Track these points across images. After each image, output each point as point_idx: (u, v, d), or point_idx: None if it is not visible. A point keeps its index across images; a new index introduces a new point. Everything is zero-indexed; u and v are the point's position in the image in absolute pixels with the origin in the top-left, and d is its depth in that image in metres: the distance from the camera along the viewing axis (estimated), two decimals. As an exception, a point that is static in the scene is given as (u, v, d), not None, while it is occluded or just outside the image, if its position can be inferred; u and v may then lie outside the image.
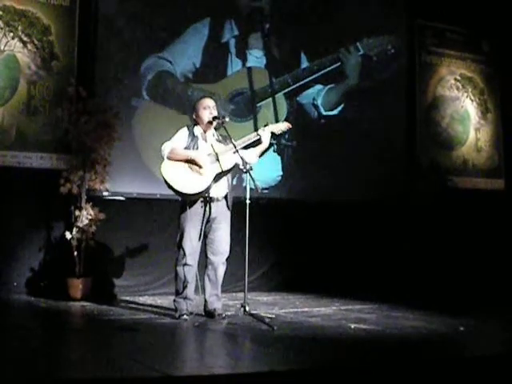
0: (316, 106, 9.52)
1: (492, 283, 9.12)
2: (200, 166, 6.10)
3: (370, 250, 9.28)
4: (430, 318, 6.58)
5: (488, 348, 5.37)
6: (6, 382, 3.59)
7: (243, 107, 8.98)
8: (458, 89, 10.96)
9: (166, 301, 7.15)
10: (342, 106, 9.70)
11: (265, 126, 6.43)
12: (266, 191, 8.68)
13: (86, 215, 7.48)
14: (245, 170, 6.02)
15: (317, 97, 9.51)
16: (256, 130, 8.07)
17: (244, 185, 6.32)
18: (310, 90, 9.47)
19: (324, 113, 9.58)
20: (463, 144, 10.93)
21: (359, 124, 9.83)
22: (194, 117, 6.43)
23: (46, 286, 7.61)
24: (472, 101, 11.09)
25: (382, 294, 8.40)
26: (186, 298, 6.20)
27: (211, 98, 6.60)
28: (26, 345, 4.95)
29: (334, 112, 9.67)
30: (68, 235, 7.45)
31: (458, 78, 10.98)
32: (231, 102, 8.88)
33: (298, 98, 9.39)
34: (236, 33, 9.01)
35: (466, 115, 11.01)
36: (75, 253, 7.46)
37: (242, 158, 6.06)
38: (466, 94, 11.03)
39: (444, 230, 9.64)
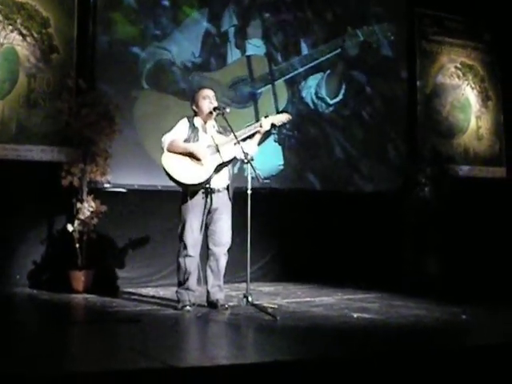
0: (321, 98, 9.51)
1: (493, 272, 9.12)
2: (199, 159, 6.09)
3: (370, 240, 9.28)
4: (432, 307, 6.58)
5: (490, 337, 5.36)
6: (8, 376, 3.59)
7: (243, 94, 8.98)
8: (458, 77, 10.94)
9: (169, 292, 7.15)
10: (344, 88, 9.67)
11: (265, 116, 6.41)
12: (267, 181, 8.66)
13: (87, 207, 7.48)
14: (246, 161, 6.02)
15: (319, 89, 9.49)
16: (256, 117, 8.13)
17: (245, 175, 6.31)
18: (311, 81, 9.44)
19: (331, 102, 9.57)
20: (464, 132, 10.93)
21: (359, 114, 9.85)
22: (193, 108, 6.41)
23: (49, 278, 7.63)
24: (472, 89, 11.07)
25: (384, 283, 8.41)
26: (188, 289, 6.20)
27: (210, 88, 6.58)
28: (29, 338, 4.95)
29: (340, 97, 9.67)
30: (70, 228, 7.45)
31: (459, 65, 10.96)
32: (231, 89, 8.87)
33: (298, 87, 9.37)
34: (235, 22, 8.99)
35: (467, 103, 10.99)
36: (77, 245, 7.47)
37: (242, 149, 6.05)
38: (466, 82, 11.01)
39: (445, 219, 9.62)
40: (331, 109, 9.60)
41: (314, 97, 9.46)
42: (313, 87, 9.46)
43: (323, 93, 9.52)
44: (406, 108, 10.33)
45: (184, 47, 8.61)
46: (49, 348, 4.58)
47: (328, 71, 9.59)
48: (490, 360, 4.56)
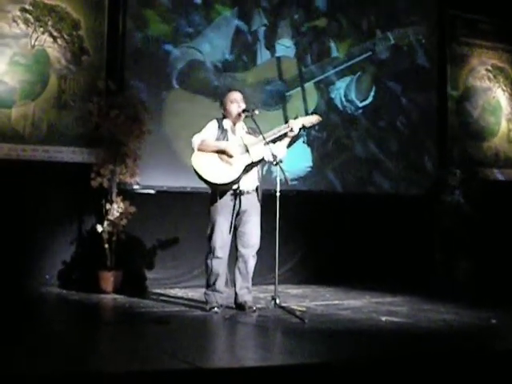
0: (350, 101, 9.48)
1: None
2: (231, 156, 6.10)
3: (400, 244, 9.24)
4: (462, 311, 6.53)
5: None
6: (37, 375, 3.62)
7: (273, 96, 8.97)
8: (489, 79, 10.85)
9: (197, 293, 7.16)
10: (374, 90, 9.65)
11: (295, 118, 6.39)
12: (295, 182, 8.65)
13: (116, 208, 7.52)
14: (275, 163, 6.02)
15: (348, 92, 9.46)
16: (286, 119, 8.14)
17: (273, 177, 6.31)
18: (340, 83, 9.41)
19: (360, 104, 9.54)
20: (495, 135, 10.84)
21: (390, 117, 9.79)
22: (222, 111, 6.43)
23: (78, 278, 7.68)
24: (504, 91, 10.98)
25: (413, 286, 8.37)
26: (216, 290, 6.21)
27: (238, 90, 6.59)
28: (58, 338, 4.99)
29: (369, 99, 9.63)
30: (99, 228, 7.49)
31: (490, 68, 10.87)
32: (261, 91, 8.87)
33: (328, 90, 9.35)
34: (265, 22, 8.99)
35: (498, 106, 10.90)
36: (106, 246, 7.50)
37: (271, 150, 6.05)
38: (497, 85, 10.92)
39: (476, 223, 9.55)
40: (360, 111, 9.56)
41: (343, 99, 9.42)
42: (342, 89, 9.43)
43: (353, 95, 9.49)
44: (437, 111, 10.27)
45: (215, 46, 8.62)
46: (77, 348, 4.61)
47: (358, 74, 9.55)
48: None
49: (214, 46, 8.61)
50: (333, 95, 9.38)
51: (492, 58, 10.91)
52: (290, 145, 6.47)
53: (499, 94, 10.93)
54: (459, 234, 9.57)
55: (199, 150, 6.19)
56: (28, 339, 4.78)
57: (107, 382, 3.59)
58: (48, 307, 6.78)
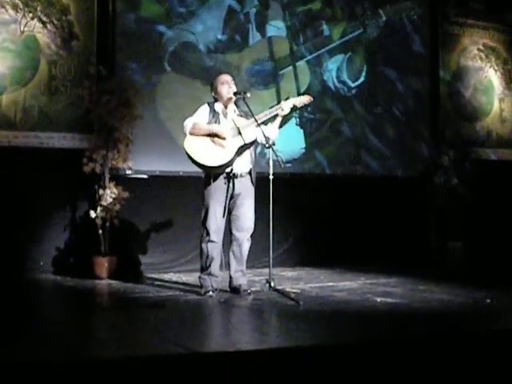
0: (343, 82, 9.46)
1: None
2: (223, 138, 6.08)
3: (394, 225, 9.25)
4: (456, 292, 6.55)
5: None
6: (32, 361, 3.62)
7: (265, 76, 8.95)
8: (481, 59, 10.82)
9: (192, 278, 7.17)
10: (366, 70, 9.62)
11: (286, 98, 6.38)
12: (289, 165, 8.66)
13: (109, 194, 7.50)
14: (267, 146, 6.01)
15: (340, 73, 9.43)
16: (278, 98, 8.11)
17: (267, 159, 6.30)
18: (332, 64, 9.38)
19: (352, 84, 9.52)
20: (487, 115, 10.82)
21: (382, 97, 9.78)
22: (213, 94, 6.41)
23: (73, 264, 7.68)
24: (495, 71, 10.95)
25: (407, 267, 8.39)
26: (211, 274, 6.21)
27: (228, 73, 6.58)
28: (53, 324, 4.98)
29: (362, 79, 9.61)
30: (92, 214, 7.47)
31: (481, 47, 10.83)
32: (253, 71, 8.84)
33: (320, 69, 9.32)
34: (256, 3, 8.94)
35: (490, 86, 10.88)
36: (100, 231, 7.50)
37: (263, 132, 6.04)
38: (489, 64, 10.89)
39: (469, 202, 9.56)
40: (353, 92, 9.53)
41: (335, 80, 9.40)
42: (334, 70, 9.40)
43: (345, 76, 9.46)
44: (428, 92, 10.24)
45: (208, 27, 8.57)
46: (72, 334, 4.61)
47: (349, 53, 9.51)
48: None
49: (206, 27, 8.56)
50: (325, 76, 9.34)
51: (483, 38, 10.87)
52: (281, 125, 6.45)
53: (491, 73, 10.90)
54: (453, 215, 9.58)
55: (191, 133, 6.17)
56: (22, 326, 4.78)
57: (103, 368, 3.59)
58: (43, 293, 6.77)
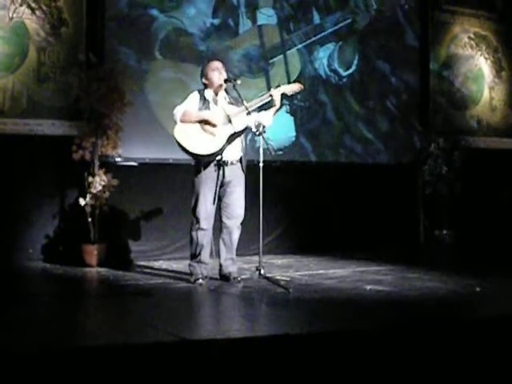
0: (334, 71, 9.44)
1: (508, 243, 9.10)
2: (214, 125, 6.06)
3: (384, 212, 9.27)
4: (447, 279, 6.56)
5: (504, 308, 5.35)
6: (21, 349, 3.61)
7: (255, 64, 8.93)
8: (471, 47, 10.82)
9: (181, 265, 7.15)
10: (357, 59, 9.61)
11: (277, 86, 6.36)
12: (280, 152, 8.67)
13: (99, 181, 7.47)
14: (258, 133, 6.00)
15: (332, 61, 9.42)
16: (268, 87, 8.10)
17: (257, 147, 6.29)
18: (322, 53, 9.36)
19: (344, 73, 9.51)
20: (477, 103, 10.83)
21: (371, 85, 9.77)
22: (203, 80, 6.38)
23: (62, 252, 7.66)
24: (486, 59, 10.95)
25: (397, 255, 8.42)
26: (201, 262, 6.20)
27: (218, 59, 6.55)
28: (42, 311, 4.98)
29: (353, 68, 9.60)
30: (82, 201, 7.45)
31: (472, 36, 10.83)
32: (243, 59, 8.81)
33: (310, 57, 9.29)
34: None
35: (480, 74, 10.88)
36: (89, 219, 7.47)
37: (255, 120, 6.03)
38: (479, 53, 10.89)
39: (459, 190, 9.59)
40: (344, 80, 9.52)
41: (326, 69, 9.38)
42: (325, 58, 9.38)
43: (336, 65, 9.45)
44: (419, 80, 10.24)
45: (195, 17, 8.51)
46: (61, 321, 4.60)
47: (340, 42, 9.49)
48: (503, 331, 4.54)
49: (195, 16, 8.50)
50: (316, 65, 9.32)
51: (474, 26, 10.87)
52: (274, 113, 6.44)
53: (481, 62, 10.90)
54: (443, 203, 9.61)
55: (181, 121, 6.14)
56: (11, 313, 4.76)
57: (92, 356, 3.58)
58: (32, 281, 6.75)
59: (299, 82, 6.81)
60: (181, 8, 8.46)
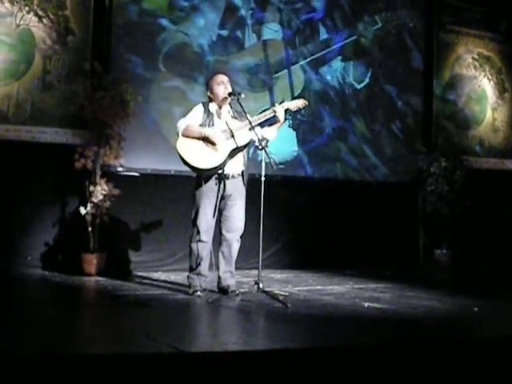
0: (349, 85, 9.49)
1: (508, 264, 9.10)
2: (214, 144, 6.07)
3: (384, 230, 9.27)
4: (444, 299, 6.56)
5: (500, 330, 5.34)
6: (18, 356, 3.60)
7: (259, 79, 8.96)
8: (475, 68, 10.86)
9: (180, 277, 7.16)
10: (370, 73, 9.68)
11: (281, 102, 6.38)
12: (281, 166, 8.69)
13: (100, 191, 7.48)
14: (260, 147, 6.01)
15: (346, 75, 9.46)
16: (272, 101, 8.13)
17: (259, 160, 6.30)
18: (327, 69, 9.39)
19: (358, 86, 9.55)
20: (480, 124, 10.86)
21: (375, 102, 9.80)
22: (208, 94, 6.40)
23: (61, 260, 7.65)
24: (489, 80, 10.99)
25: (396, 273, 8.41)
26: (199, 274, 6.20)
27: (224, 73, 6.57)
28: (40, 319, 4.97)
29: (367, 80, 9.67)
30: (82, 210, 7.45)
31: (476, 56, 10.88)
32: (247, 73, 8.84)
33: (315, 75, 9.32)
34: (253, 5, 8.95)
35: (483, 95, 10.91)
36: (90, 228, 7.48)
37: (257, 134, 6.04)
38: (483, 74, 10.93)
39: (460, 210, 9.59)
40: (349, 97, 9.55)
41: (331, 85, 9.42)
42: (329, 75, 9.41)
43: (351, 79, 9.50)
44: (422, 99, 10.27)
45: (201, 31, 8.56)
46: (59, 330, 4.60)
47: (347, 58, 9.53)
48: (500, 352, 4.53)
49: (200, 30, 8.55)
50: (319, 82, 9.35)
51: (478, 47, 10.91)
52: (277, 128, 6.46)
53: (485, 82, 10.94)
54: (443, 222, 9.61)
55: (183, 135, 6.15)
56: (9, 320, 4.76)
57: (89, 365, 3.58)
58: (30, 289, 6.75)
59: (303, 97, 6.83)
60: (190, 18, 8.51)
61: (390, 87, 9.94)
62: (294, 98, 8.24)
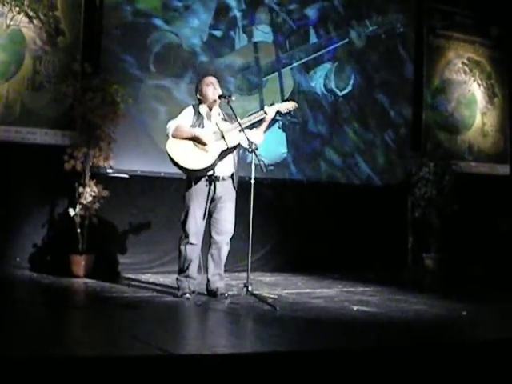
0: (330, 90, 9.50)
1: (496, 268, 9.13)
2: (204, 144, 6.07)
3: (373, 234, 9.28)
4: (433, 302, 6.58)
5: (488, 333, 5.36)
6: (6, 358, 3.59)
7: (249, 81, 8.96)
8: (465, 73, 10.90)
9: (169, 279, 7.13)
10: (353, 80, 9.67)
11: (271, 104, 6.40)
12: (271, 168, 8.70)
13: (89, 192, 7.47)
14: (250, 150, 6.01)
15: (328, 81, 9.47)
16: (262, 104, 8.13)
17: (248, 163, 6.30)
18: (319, 72, 9.40)
19: (340, 93, 9.56)
20: (469, 128, 10.89)
21: (365, 106, 9.81)
22: (197, 96, 6.40)
23: (49, 262, 7.62)
24: (479, 85, 11.03)
25: (385, 276, 8.43)
26: (188, 276, 6.19)
27: (213, 75, 6.57)
28: (28, 321, 4.95)
29: (349, 88, 9.67)
30: (71, 212, 7.43)
31: (466, 61, 10.91)
32: (238, 76, 8.84)
33: (305, 76, 9.33)
34: (243, 7, 8.94)
35: (473, 99, 10.95)
36: (78, 229, 7.45)
37: (247, 137, 6.04)
38: (473, 78, 10.97)
39: (448, 215, 9.61)
40: (339, 100, 9.56)
41: (323, 88, 9.42)
42: (321, 78, 9.42)
43: (332, 85, 9.50)
44: (412, 103, 10.29)
45: (192, 31, 8.53)
46: (47, 332, 4.58)
47: (336, 63, 9.55)
48: (489, 355, 4.55)
49: (191, 30, 8.52)
50: (309, 84, 9.36)
51: (468, 52, 10.95)
52: (265, 130, 6.47)
53: (474, 87, 10.97)
54: (432, 226, 9.63)
55: (173, 136, 6.15)
56: (-3, 322, 4.74)
57: (77, 367, 3.56)
58: (18, 290, 6.72)
59: (293, 100, 6.83)
60: (183, 19, 8.49)
61: (380, 92, 9.95)
62: (284, 100, 8.22)
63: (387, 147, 9.97)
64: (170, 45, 8.42)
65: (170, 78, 8.37)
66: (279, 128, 9.06)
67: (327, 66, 9.51)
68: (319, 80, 9.42)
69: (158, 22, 8.35)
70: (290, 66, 9.23)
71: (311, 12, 9.43)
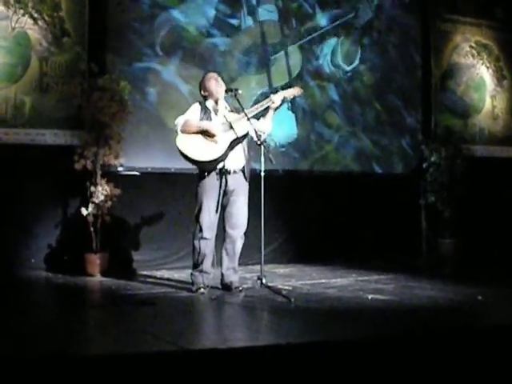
0: (338, 66, 9.45)
1: (510, 252, 9.09)
2: (213, 135, 6.07)
3: (387, 221, 9.26)
4: (448, 288, 6.56)
5: (505, 317, 5.34)
6: (23, 358, 3.61)
7: (257, 61, 8.95)
8: (473, 56, 10.83)
9: (183, 275, 7.15)
10: (360, 54, 9.65)
11: (276, 91, 6.42)
12: (282, 149, 8.79)
13: (101, 191, 7.49)
14: (259, 143, 6.00)
15: (334, 57, 9.42)
16: (270, 83, 8.11)
17: (258, 156, 6.30)
18: (326, 49, 9.37)
19: (348, 68, 9.53)
20: (479, 112, 10.83)
21: (375, 91, 9.78)
22: (202, 93, 6.40)
23: (65, 261, 7.66)
24: (487, 68, 10.96)
25: (399, 264, 8.41)
26: (202, 271, 6.20)
27: (213, 71, 6.63)
28: (44, 321, 4.98)
29: (356, 62, 9.64)
30: (84, 211, 7.45)
31: (473, 45, 10.84)
32: (245, 56, 8.83)
33: (312, 53, 9.31)
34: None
35: (482, 83, 10.89)
36: (92, 229, 7.48)
37: (255, 129, 6.04)
38: (481, 61, 10.90)
39: (460, 199, 9.58)
40: (347, 80, 9.54)
41: (330, 64, 9.38)
42: (328, 54, 9.38)
43: (339, 60, 9.46)
44: (421, 88, 10.25)
45: (198, 13, 8.54)
46: (63, 331, 4.60)
47: (342, 37, 9.53)
48: (503, 340, 4.53)
49: (197, 13, 8.51)
50: (320, 61, 9.32)
51: (476, 35, 10.88)
52: (271, 118, 6.46)
53: (483, 70, 10.91)
54: (444, 211, 9.61)
55: (182, 131, 6.15)
56: (13, 322, 4.76)
57: (94, 365, 3.58)
58: (34, 290, 6.75)
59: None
60: (182, 6, 8.51)
61: (388, 76, 9.91)
62: (291, 78, 8.24)
63: (397, 131, 9.93)
64: (175, 27, 8.41)
65: (178, 70, 8.39)
66: (288, 109, 9.01)
67: (333, 41, 9.46)
68: (326, 57, 9.37)
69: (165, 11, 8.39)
70: (296, 44, 9.19)
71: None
